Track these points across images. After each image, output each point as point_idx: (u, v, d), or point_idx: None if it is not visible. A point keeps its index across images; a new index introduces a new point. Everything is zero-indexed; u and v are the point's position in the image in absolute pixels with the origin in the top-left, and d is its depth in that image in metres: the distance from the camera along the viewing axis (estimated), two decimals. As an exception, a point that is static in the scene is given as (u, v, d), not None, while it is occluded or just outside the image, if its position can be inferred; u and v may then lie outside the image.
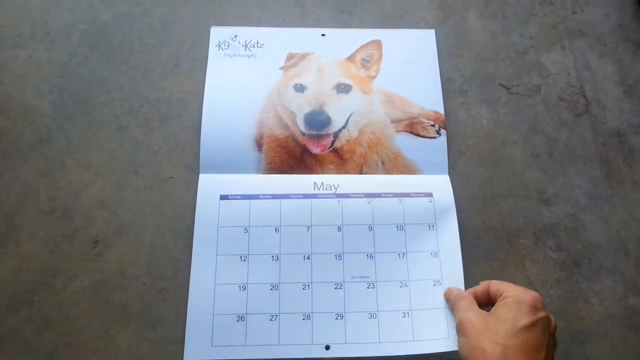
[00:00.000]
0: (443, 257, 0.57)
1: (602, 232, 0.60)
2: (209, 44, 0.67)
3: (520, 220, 0.61)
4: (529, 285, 0.58)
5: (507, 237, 0.60)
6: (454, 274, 0.57)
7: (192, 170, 0.61)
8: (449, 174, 0.61)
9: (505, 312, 0.46)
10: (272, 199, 0.59)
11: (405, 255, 0.57)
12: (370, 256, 0.57)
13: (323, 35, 0.68)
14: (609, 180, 0.63)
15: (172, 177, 0.61)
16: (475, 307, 0.50)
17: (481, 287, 0.52)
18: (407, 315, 0.55)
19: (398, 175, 0.61)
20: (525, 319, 0.45)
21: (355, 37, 0.68)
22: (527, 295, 0.47)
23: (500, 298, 0.49)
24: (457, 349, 0.51)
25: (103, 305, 0.55)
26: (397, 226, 0.59)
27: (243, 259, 0.57)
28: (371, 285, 0.56)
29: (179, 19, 0.69)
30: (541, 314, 0.46)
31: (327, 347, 0.54)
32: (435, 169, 0.62)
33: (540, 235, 0.60)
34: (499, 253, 0.59)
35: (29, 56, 0.66)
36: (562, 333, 0.55)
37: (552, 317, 0.48)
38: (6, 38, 0.67)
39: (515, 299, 0.47)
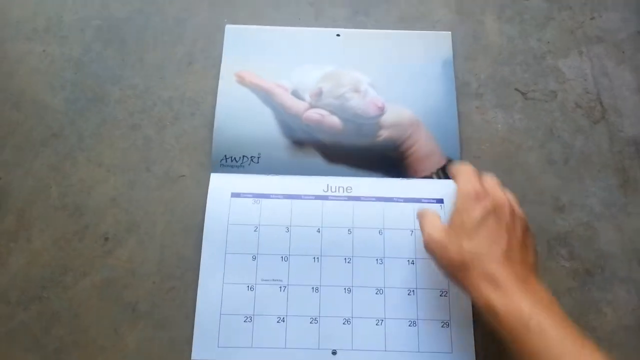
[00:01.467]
0: None
1: (616, 241, 0.60)
2: (223, 43, 0.66)
3: (534, 228, 0.59)
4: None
5: (520, 244, 0.59)
6: None
7: (204, 169, 0.60)
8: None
9: (457, 217, 0.46)
10: (283, 198, 0.59)
11: (414, 262, 0.57)
12: (380, 261, 0.57)
13: (338, 35, 0.68)
14: (624, 189, 0.62)
15: (183, 176, 0.60)
16: (437, 221, 0.49)
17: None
18: (413, 324, 0.55)
19: (410, 179, 0.61)
20: (473, 216, 0.45)
21: (370, 38, 0.68)
22: (468, 188, 0.47)
23: (456, 198, 0.48)
24: None
25: (112, 303, 0.55)
26: (410, 231, 0.58)
27: (252, 258, 0.56)
28: (379, 292, 0.56)
29: (193, 17, 0.68)
30: (484, 203, 0.46)
31: (334, 352, 0.53)
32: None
33: (554, 244, 0.59)
34: (511, 260, 0.59)
35: (43, 51, 0.66)
36: (574, 343, 0.55)
37: (502, 198, 0.47)
38: (20, 32, 0.67)
39: (460, 196, 0.47)
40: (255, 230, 0.57)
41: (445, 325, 0.55)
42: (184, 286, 0.56)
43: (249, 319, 0.54)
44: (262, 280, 0.55)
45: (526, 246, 0.46)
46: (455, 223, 0.46)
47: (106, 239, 0.58)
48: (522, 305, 0.40)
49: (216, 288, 0.55)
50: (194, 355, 0.53)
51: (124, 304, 0.55)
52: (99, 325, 0.54)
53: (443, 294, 0.56)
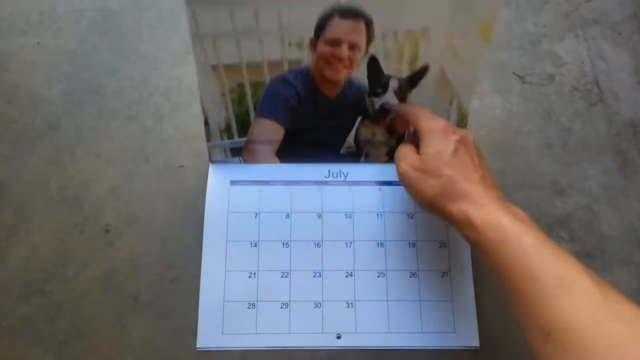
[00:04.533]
0: (451, 248, 0.57)
1: (615, 223, 0.60)
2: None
3: (533, 211, 0.60)
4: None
5: (520, 227, 0.59)
6: (461, 265, 0.57)
7: (203, 159, 0.60)
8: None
9: (432, 149, 0.46)
10: (282, 185, 0.59)
11: (415, 245, 0.57)
12: (381, 244, 0.57)
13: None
14: (623, 171, 0.62)
15: (183, 166, 0.60)
16: (412, 153, 0.48)
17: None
18: (415, 305, 0.55)
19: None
20: (448, 147, 0.46)
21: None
22: (436, 124, 0.48)
23: (421, 136, 0.48)
24: (464, 344, 0.53)
25: (115, 294, 0.55)
26: (408, 214, 0.58)
27: (253, 245, 0.56)
28: (381, 274, 0.56)
29: (188, 7, 0.68)
30: (455, 136, 0.47)
31: (339, 336, 0.54)
32: None
33: (554, 227, 0.60)
34: (511, 244, 0.59)
35: (38, 43, 0.65)
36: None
37: (464, 131, 0.48)
38: (14, 25, 0.66)
39: (428, 131, 0.48)
40: (255, 217, 0.57)
41: (447, 306, 0.55)
42: (186, 276, 0.56)
43: (252, 306, 0.54)
44: (264, 267, 0.56)
45: (491, 174, 0.48)
46: (430, 154, 0.46)
47: (107, 230, 0.57)
48: (501, 218, 0.41)
49: (218, 276, 0.55)
50: (199, 343, 0.53)
51: (126, 295, 0.55)
52: (102, 316, 0.54)
53: (444, 275, 0.56)
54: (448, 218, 0.45)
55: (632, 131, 0.64)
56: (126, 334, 0.54)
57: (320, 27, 0.49)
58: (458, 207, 0.43)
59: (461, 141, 0.47)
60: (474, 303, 0.55)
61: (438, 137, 0.47)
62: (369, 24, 0.49)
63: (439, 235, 0.58)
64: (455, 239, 0.57)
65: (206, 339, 0.53)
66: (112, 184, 0.59)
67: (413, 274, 0.56)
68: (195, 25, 0.48)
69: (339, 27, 0.49)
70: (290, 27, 0.50)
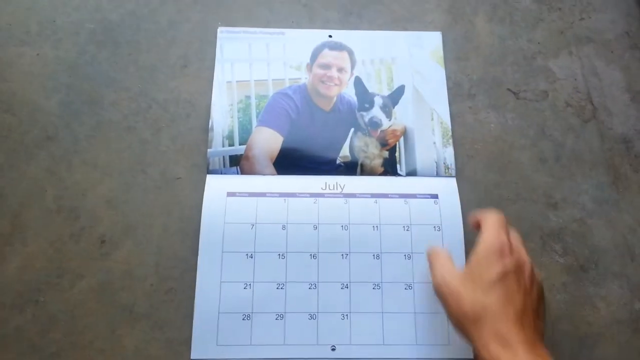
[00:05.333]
0: None
1: (608, 237, 0.61)
2: (216, 45, 0.67)
3: (527, 225, 0.61)
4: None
5: (515, 241, 0.60)
6: None
7: (200, 171, 0.61)
8: (457, 178, 0.62)
9: (476, 268, 0.45)
10: (279, 196, 0.59)
11: (411, 257, 0.57)
12: (377, 256, 0.57)
13: (330, 36, 0.68)
14: (616, 186, 0.63)
15: (180, 178, 0.60)
16: (451, 265, 0.48)
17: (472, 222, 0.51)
18: (410, 317, 0.55)
19: (405, 177, 0.61)
20: (493, 271, 0.44)
21: (362, 39, 0.68)
22: (494, 241, 0.46)
23: (476, 244, 0.47)
24: (459, 356, 0.53)
25: (110, 305, 0.55)
26: (404, 227, 0.59)
27: (249, 256, 0.56)
28: (377, 286, 0.56)
29: (186, 20, 0.69)
30: (508, 260, 0.45)
31: (333, 348, 0.54)
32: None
33: (547, 240, 0.60)
34: (506, 257, 0.59)
35: (37, 54, 0.66)
36: (569, 338, 0.56)
37: (524, 259, 0.47)
38: (13, 36, 0.66)
39: (483, 246, 0.46)
40: (251, 228, 0.57)
41: (442, 318, 0.55)
42: (181, 287, 0.56)
43: (247, 317, 0.54)
44: (260, 278, 0.56)
45: (538, 312, 0.45)
46: (473, 273, 0.45)
47: (102, 241, 0.57)
48: None
49: (214, 287, 0.55)
50: (193, 354, 0.53)
51: (121, 306, 0.55)
52: (97, 327, 0.54)
53: None
54: (473, 346, 0.44)
55: (625, 146, 0.65)
56: (120, 345, 0.54)
57: (314, 55, 0.68)
58: (487, 345, 0.42)
59: (513, 269, 0.44)
60: None
61: (489, 256, 0.45)
62: (350, 53, 0.68)
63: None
64: (450, 251, 0.57)
65: (201, 349, 0.53)
66: (108, 194, 0.59)
67: (408, 286, 0.56)
68: (221, 53, 0.67)
69: (329, 55, 0.68)
70: (291, 56, 0.67)
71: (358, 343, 0.54)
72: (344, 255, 0.57)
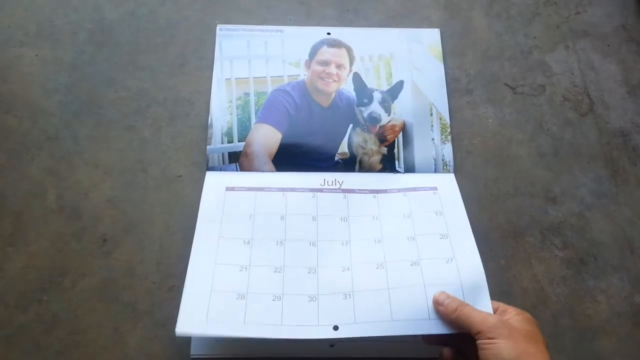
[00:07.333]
0: (454, 238, 0.55)
1: (607, 230, 0.61)
2: (215, 43, 0.67)
3: (526, 219, 0.61)
4: (537, 283, 0.58)
5: (514, 235, 0.60)
6: (467, 253, 0.54)
7: (200, 168, 0.61)
8: (455, 173, 0.62)
9: (527, 323, 0.45)
10: (278, 191, 0.59)
11: (414, 239, 0.56)
12: (378, 241, 0.56)
13: (329, 34, 0.69)
14: (614, 179, 0.63)
15: (180, 176, 0.61)
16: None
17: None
18: (420, 291, 0.51)
19: (403, 174, 0.62)
20: (538, 332, 0.45)
21: (361, 36, 0.69)
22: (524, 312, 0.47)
23: (503, 312, 0.47)
24: None
25: (112, 303, 0.55)
26: (404, 215, 0.58)
27: (246, 242, 0.55)
28: (380, 266, 0.54)
29: (185, 19, 0.69)
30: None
31: (336, 328, 0.49)
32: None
33: (547, 234, 0.60)
34: (505, 251, 0.59)
35: (36, 55, 0.66)
36: (569, 331, 0.56)
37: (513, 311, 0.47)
38: (13, 37, 0.67)
39: (520, 313, 0.46)
40: (250, 218, 0.57)
41: (456, 289, 0.51)
42: (183, 285, 0.56)
43: (241, 297, 0.51)
44: (257, 262, 0.53)
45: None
46: (525, 325, 0.45)
47: (104, 240, 0.58)
48: None
49: (207, 268, 0.52)
50: (178, 329, 0.48)
51: (123, 304, 0.55)
52: (99, 326, 0.54)
53: (449, 262, 0.54)
54: None
55: (622, 140, 0.65)
56: (123, 343, 0.54)
57: (313, 52, 0.68)
58: None
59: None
60: (485, 280, 0.52)
61: (530, 320, 0.45)
62: (349, 50, 0.69)
63: (439, 229, 0.56)
64: (455, 230, 0.56)
65: (187, 325, 0.48)
66: (109, 193, 0.60)
67: (415, 263, 0.54)
68: (220, 50, 0.68)
69: (327, 52, 0.69)
70: (289, 53, 0.68)
71: (363, 321, 0.50)
72: (344, 243, 0.56)
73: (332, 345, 0.53)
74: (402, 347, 0.54)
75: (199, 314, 0.49)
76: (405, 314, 0.50)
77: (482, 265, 0.53)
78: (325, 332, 0.49)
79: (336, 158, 0.62)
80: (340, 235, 0.56)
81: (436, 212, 0.58)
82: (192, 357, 0.53)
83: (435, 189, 0.60)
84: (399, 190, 0.60)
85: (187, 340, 0.53)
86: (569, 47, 0.70)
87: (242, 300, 0.50)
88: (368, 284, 0.52)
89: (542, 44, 0.70)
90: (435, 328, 0.49)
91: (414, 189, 0.60)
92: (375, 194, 0.59)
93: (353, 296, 0.51)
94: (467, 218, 0.57)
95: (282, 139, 0.63)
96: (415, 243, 0.55)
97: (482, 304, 0.50)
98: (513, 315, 0.46)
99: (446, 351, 0.49)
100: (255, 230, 0.56)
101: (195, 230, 0.55)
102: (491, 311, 0.49)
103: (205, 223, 0.56)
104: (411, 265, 0.54)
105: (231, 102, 0.64)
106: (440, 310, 0.49)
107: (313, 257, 0.54)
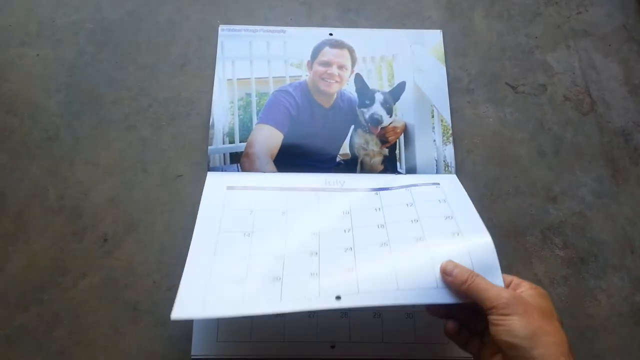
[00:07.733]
0: (459, 218, 0.53)
1: (608, 229, 0.61)
2: (216, 43, 0.67)
3: (527, 218, 0.61)
4: (537, 282, 0.58)
5: (514, 234, 0.60)
6: (474, 228, 0.52)
7: (201, 168, 0.61)
8: (457, 173, 0.62)
9: (542, 298, 0.44)
10: (279, 190, 0.58)
11: (418, 220, 0.54)
12: (381, 226, 0.54)
13: (331, 34, 0.69)
14: (615, 178, 0.63)
15: (181, 176, 0.61)
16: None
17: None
18: (427, 261, 0.49)
19: (404, 175, 0.62)
20: (552, 308, 0.44)
21: (363, 37, 0.69)
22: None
23: (517, 286, 0.45)
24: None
25: (113, 303, 0.55)
26: (407, 204, 0.57)
27: (247, 234, 0.53)
28: (384, 244, 0.52)
29: (186, 18, 0.69)
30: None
31: (338, 297, 0.47)
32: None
33: (547, 233, 0.60)
34: (506, 251, 0.59)
35: (37, 55, 0.66)
36: (570, 330, 0.56)
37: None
38: (14, 37, 0.67)
39: (534, 287, 0.45)
40: (250, 214, 0.55)
41: (466, 257, 0.49)
42: (184, 284, 0.56)
43: (240, 281, 0.49)
44: (257, 251, 0.52)
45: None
46: (542, 301, 0.44)
47: (105, 239, 0.58)
48: None
49: (207, 258, 0.51)
50: (174, 314, 0.46)
51: (124, 303, 0.55)
52: (100, 325, 0.54)
53: (456, 235, 0.52)
54: None
55: (624, 139, 0.65)
56: (124, 342, 0.54)
57: (315, 53, 0.68)
58: None
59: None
60: (495, 253, 0.49)
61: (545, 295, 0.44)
62: (351, 51, 0.69)
63: (444, 212, 0.55)
64: (461, 211, 0.54)
65: (185, 309, 0.46)
66: (110, 193, 0.60)
67: (420, 239, 0.52)
68: (222, 51, 0.68)
69: (329, 53, 0.69)
70: (291, 53, 0.68)
71: (367, 290, 0.47)
72: (347, 230, 0.54)
73: (332, 346, 0.53)
74: (402, 348, 0.54)
75: (197, 299, 0.47)
76: (412, 282, 0.47)
77: (491, 239, 0.49)
78: (327, 302, 0.46)
79: (337, 159, 0.62)
80: (343, 224, 0.55)
81: (439, 200, 0.56)
82: (192, 357, 0.53)
83: (438, 184, 0.59)
84: (401, 187, 0.59)
85: (187, 340, 0.53)
86: (570, 47, 0.70)
87: (241, 284, 0.48)
88: (372, 257, 0.50)
89: (543, 43, 0.70)
90: (443, 297, 0.46)
91: (417, 185, 0.59)
92: (377, 192, 0.59)
93: (356, 269, 0.49)
94: (471, 203, 0.55)
95: (283, 139, 0.63)
96: (419, 224, 0.53)
97: (493, 277, 0.47)
98: (527, 289, 0.45)
99: (450, 324, 0.47)
100: (255, 223, 0.55)
101: (195, 225, 0.54)
102: (502, 284, 0.46)
103: (206, 218, 0.55)
104: (416, 240, 0.52)
105: (233, 102, 0.65)
106: (449, 281, 0.46)
107: (315, 242, 0.53)
